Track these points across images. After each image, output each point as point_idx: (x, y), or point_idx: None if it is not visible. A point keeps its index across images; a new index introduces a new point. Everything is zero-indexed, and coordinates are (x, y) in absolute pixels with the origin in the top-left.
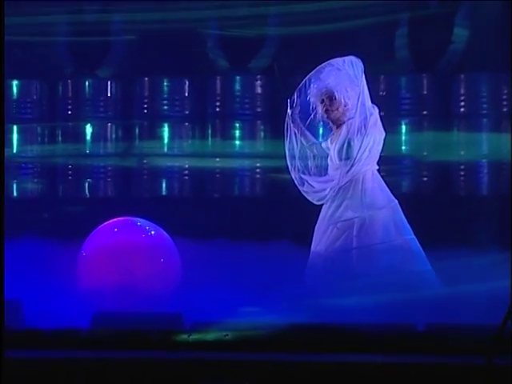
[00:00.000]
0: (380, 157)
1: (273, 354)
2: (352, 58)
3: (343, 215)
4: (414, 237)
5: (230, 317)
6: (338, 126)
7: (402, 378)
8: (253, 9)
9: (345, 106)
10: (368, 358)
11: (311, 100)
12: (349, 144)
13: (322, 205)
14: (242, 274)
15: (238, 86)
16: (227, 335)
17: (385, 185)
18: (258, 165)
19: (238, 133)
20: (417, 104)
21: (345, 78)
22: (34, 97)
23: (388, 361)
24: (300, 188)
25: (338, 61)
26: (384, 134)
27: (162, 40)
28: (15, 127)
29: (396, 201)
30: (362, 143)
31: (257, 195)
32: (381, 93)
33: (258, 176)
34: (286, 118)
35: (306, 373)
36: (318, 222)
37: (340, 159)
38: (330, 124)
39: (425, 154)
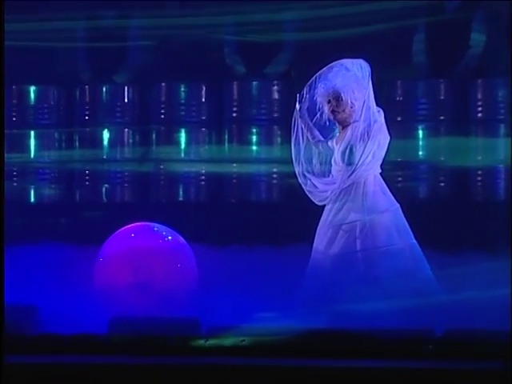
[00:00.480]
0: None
1: (290, 359)
2: (361, 61)
3: (345, 218)
4: (416, 242)
5: (247, 322)
6: (344, 127)
7: None
8: (270, 14)
9: (351, 108)
10: (385, 363)
11: (318, 100)
12: (351, 149)
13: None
14: (258, 279)
15: (254, 92)
16: (244, 340)
17: (387, 188)
18: (275, 170)
19: (254, 138)
20: (434, 109)
21: (352, 80)
22: (52, 102)
23: (406, 366)
24: (304, 187)
25: (347, 61)
26: (389, 138)
27: (179, 45)
28: (33, 133)
29: (398, 205)
30: (364, 148)
31: (274, 201)
32: (398, 98)
33: (274, 181)
34: (294, 113)
35: (324, 379)
36: (320, 224)
37: (343, 162)
38: (336, 124)
39: (442, 159)
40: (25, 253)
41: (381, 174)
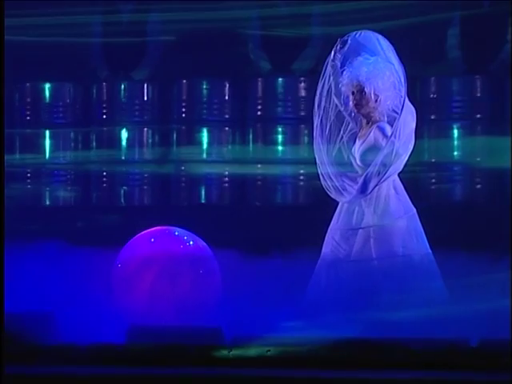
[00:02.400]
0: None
1: (317, 370)
2: (387, 42)
3: (358, 222)
4: (430, 251)
5: (273, 331)
6: (368, 122)
7: None
8: (296, 7)
9: (375, 101)
10: (418, 374)
11: (342, 89)
12: (374, 151)
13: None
14: (284, 286)
15: (280, 89)
16: (269, 351)
17: (405, 191)
18: (302, 171)
19: (280, 138)
20: (470, 107)
21: (378, 69)
22: (67, 100)
23: (440, 377)
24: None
25: (374, 44)
26: (413, 142)
27: (201, 40)
28: (47, 132)
29: (415, 210)
30: (392, 150)
31: (300, 203)
32: (431, 95)
33: (301, 183)
34: (328, 59)
35: None
36: (331, 227)
37: (363, 163)
38: (360, 117)
39: (478, 160)
40: (39, 258)
41: (399, 175)
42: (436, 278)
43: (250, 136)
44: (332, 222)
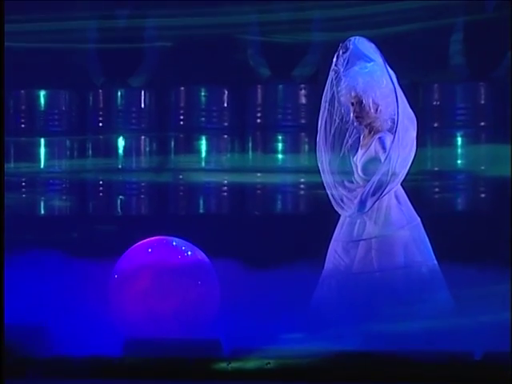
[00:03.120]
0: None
1: (317, 383)
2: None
3: (360, 234)
4: (435, 261)
5: (272, 344)
6: (370, 131)
7: None
8: (296, 13)
9: (376, 112)
10: None
11: (342, 100)
12: (374, 163)
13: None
14: (284, 297)
15: (280, 96)
16: (269, 363)
17: (408, 201)
18: (302, 180)
19: (280, 146)
20: (473, 114)
21: (375, 78)
22: (63, 108)
23: None
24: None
25: (370, 50)
26: (415, 150)
27: (199, 47)
28: (42, 140)
29: (419, 219)
30: (393, 160)
31: (301, 213)
32: (434, 102)
33: (302, 192)
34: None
35: None
36: (334, 239)
37: (364, 173)
38: (363, 126)
39: (482, 168)
40: (34, 268)
41: (402, 184)
42: (441, 289)
43: (250, 144)
44: (334, 234)
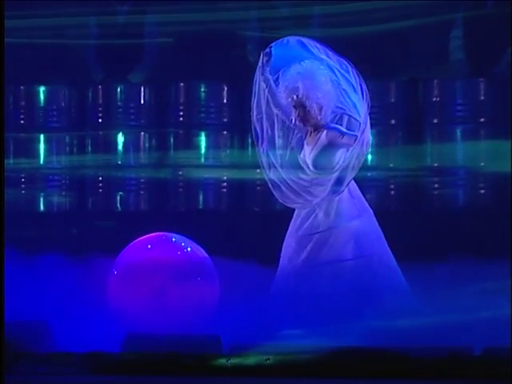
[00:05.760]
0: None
1: (317, 379)
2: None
3: (315, 226)
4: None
5: (272, 340)
6: (315, 129)
7: None
8: (295, 9)
9: (320, 113)
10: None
11: (282, 102)
12: (330, 153)
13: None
14: (284, 293)
15: None
16: (268, 359)
17: (360, 194)
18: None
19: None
20: (473, 110)
21: (313, 78)
22: (62, 104)
23: None
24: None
25: (300, 50)
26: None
27: (199, 42)
28: (42, 136)
29: (371, 211)
30: (348, 154)
31: None
32: (434, 98)
33: None
34: (257, 71)
35: None
36: (288, 235)
37: (317, 168)
38: (308, 127)
39: (482, 164)
40: (33, 265)
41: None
42: (398, 277)
43: (249, 140)
44: (289, 230)
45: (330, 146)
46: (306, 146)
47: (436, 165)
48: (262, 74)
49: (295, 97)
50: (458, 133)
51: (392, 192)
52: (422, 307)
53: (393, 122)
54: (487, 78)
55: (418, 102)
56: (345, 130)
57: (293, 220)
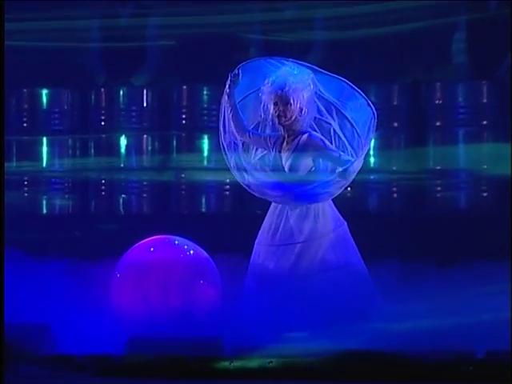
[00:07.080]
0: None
1: (320, 382)
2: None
3: (287, 238)
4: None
5: (275, 342)
6: (290, 135)
7: None
8: (298, 12)
9: (300, 114)
10: None
11: (263, 98)
12: (307, 159)
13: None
14: (287, 296)
15: None
16: (271, 362)
17: (334, 207)
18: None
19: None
20: (476, 113)
21: (304, 81)
22: (65, 106)
23: None
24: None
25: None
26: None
27: (202, 45)
28: (45, 139)
29: (345, 223)
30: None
31: None
32: (437, 101)
33: None
34: (224, 94)
35: None
36: (257, 243)
37: (293, 171)
38: (281, 131)
39: (484, 167)
40: (36, 268)
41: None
42: (371, 286)
43: None
44: (258, 238)
45: (314, 150)
46: (282, 152)
47: (438, 167)
48: (228, 98)
49: (280, 91)
50: (461, 135)
51: (395, 194)
52: (418, 310)
53: (395, 124)
54: (490, 81)
55: (420, 105)
56: (327, 142)
57: (262, 229)
